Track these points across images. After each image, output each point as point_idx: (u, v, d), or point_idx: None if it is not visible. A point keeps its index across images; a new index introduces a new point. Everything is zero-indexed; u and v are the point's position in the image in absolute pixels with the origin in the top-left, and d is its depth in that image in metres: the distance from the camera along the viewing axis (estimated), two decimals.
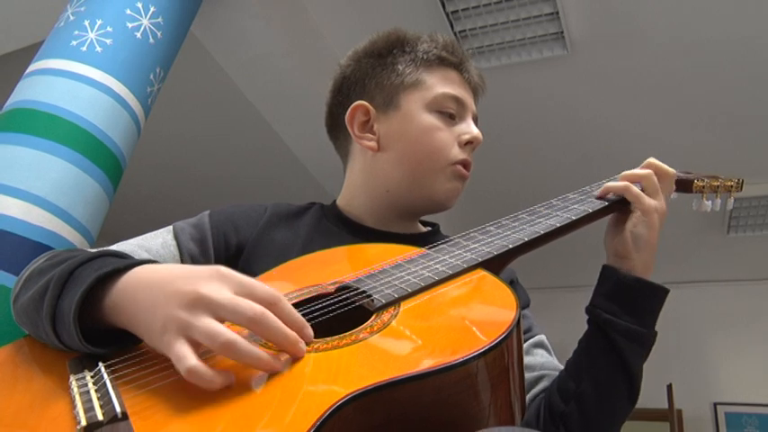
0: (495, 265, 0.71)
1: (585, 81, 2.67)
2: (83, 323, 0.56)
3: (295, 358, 0.54)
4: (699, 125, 2.85)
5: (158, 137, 3.03)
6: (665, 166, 0.87)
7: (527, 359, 0.85)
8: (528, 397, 0.82)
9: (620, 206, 0.86)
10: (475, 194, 2.58)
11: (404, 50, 0.93)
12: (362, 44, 0.97)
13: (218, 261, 0.82)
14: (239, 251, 0.85)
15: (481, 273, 0.68)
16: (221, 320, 0.52)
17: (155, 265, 0.61)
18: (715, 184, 0.95)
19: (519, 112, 2.88)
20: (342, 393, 0.46)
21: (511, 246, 0.73)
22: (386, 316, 0.60)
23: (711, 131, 2.87)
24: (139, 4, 1.65)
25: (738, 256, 3.88)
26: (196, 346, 0.51)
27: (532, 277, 0.96)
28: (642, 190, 0.83)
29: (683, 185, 0.94)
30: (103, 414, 0.47)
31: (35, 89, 1.51)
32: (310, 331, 0.56)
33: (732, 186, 0.96)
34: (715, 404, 3.90)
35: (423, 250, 0.75)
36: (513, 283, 0.74)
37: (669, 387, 3.62)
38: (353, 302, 0.64)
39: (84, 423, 0.46)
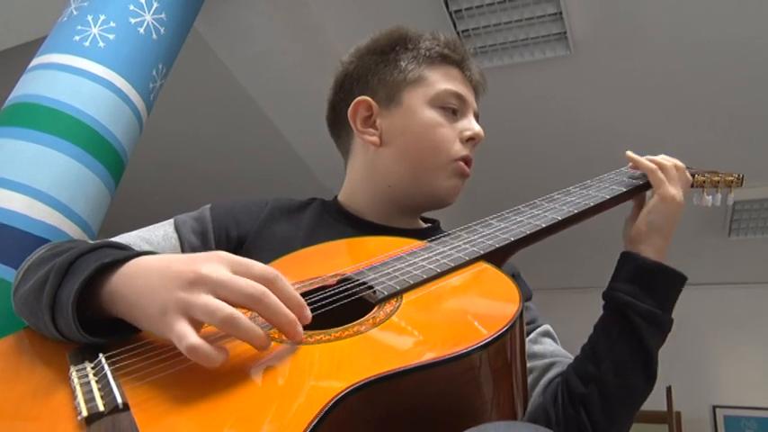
0: (497, 257, 0.71)
1: (588, 82, 2.67)
2: (81, 313, 0.56)
3: (295, 347, 0.54)
4: (701, 126, 2.85)
5: (160, 133, 3.04)
6: (679, 162, 0.90)
7: (536, 347, 0.86)
8: (542, 382, 0.83)
9: (621, 199, 0.87)
10: (476, 194, 2.58)
11: (406, 47, 0.94)
12: (365, 41, 0.97)
13: None
14: (240, 244, 0.85)
15: (483, 265, 0.68)
16: (220, 299, 0.52)
17: (153, 255, 0.61)
18: (715, 179, 0.96)
19: (521, 112, 2.88)
20: (345, 385, 0.46)
21: (513, 238, 0.74)
22: (388, 308, 0.60)
23: (713, 133, 2.87)
24: (142, 0, 1.65)
25: (739, 259, 3.88)
26: (197, 325, 0.51)
27: (532, 278, 0.96)
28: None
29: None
30: (104, 405, 0.47)
31: (38, 83, 1.51)
32: (309, 312, 0.56)
33: (732, 181, 0.96)
34: (714, 407, 3.90)
35: (424, 243, 0.75)
36: (514, 277, 0.75)
37: (668, 389, 3.62)
38: (355, 294, 0.64)
39: (85, 413, 0.46)
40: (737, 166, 1.00)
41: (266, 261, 0.75)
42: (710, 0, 2.22)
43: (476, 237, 0.75)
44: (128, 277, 0.58)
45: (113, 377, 0.51)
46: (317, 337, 0.55)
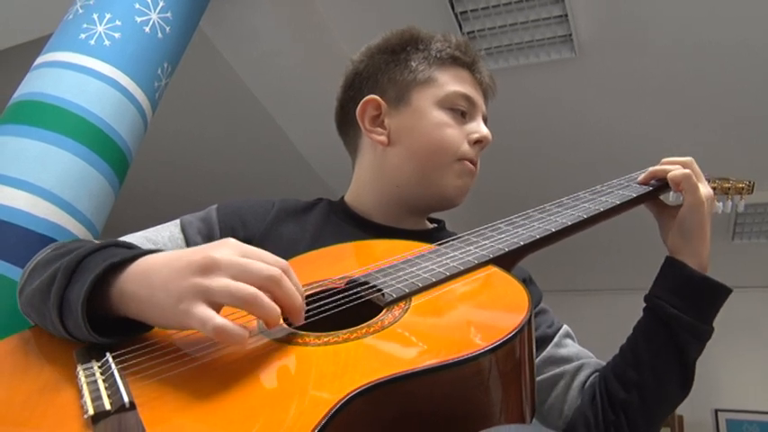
0: (506, 261, 0.71)
1: (593, 84, 2.66)
2: (90, 313, 0.56)
3: (304, 349, 0.54)
4: (704, 128, 2.84)
5: (165, 132, 3.04)
6: (683, 159, 0.89)
7: (563, 351, 0.87)
8: (575, 385, 0.84)
9: (632, 204, 0.87)
10: (481, 196, 2.57)
11: (417, 48, 0.94)
12: (376, 41, 0.97)
13: None
14: None
15: (492, 269, 0.68)
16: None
17: (161, 252, 0.61)
18: (726, 185, 0.95)
19: (526, 114, 2.88)
20: (352, 387, 0.46)
21: (522, 243, 0.73)
22: (397, 311, 0.60)
23: (717, 135, 2.87)
24: None
25: (743, 263, 3.87)
26: (216, 309, 0.51)
27: (542, 280, 0.96)
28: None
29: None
30: (111, 403, 0.47)
31: (43, 81, 1.51)
32: (303, 316, 0.57)
33: (743, 188, 0.96)
34: (716, 411, 3.89)
35: (433, 246, 0.75)
36: (525, 282, 0.75)
37: None
38: (364, 297, 0.64)
39: (91, 412, 0.46)
40: (742, 169, 1.00)
41: None
42: (714, 3, 2.21)
43: (485, 240, 0.74)
44: (138, 275, 0.57)
45: (120, 376, 0.50)
46: (326, 339, 0.55)
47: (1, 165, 1.38)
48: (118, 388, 0.48)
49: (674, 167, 0.88)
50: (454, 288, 0.65)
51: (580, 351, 0.88)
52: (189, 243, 0.82)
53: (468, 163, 0.90)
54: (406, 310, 0.60)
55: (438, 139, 0.89)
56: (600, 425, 0.79)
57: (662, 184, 0.89)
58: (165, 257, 0.58)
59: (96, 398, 0.48)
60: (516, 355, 0.54)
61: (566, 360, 0.86)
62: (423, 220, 0.97)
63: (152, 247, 0.79)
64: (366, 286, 0.65)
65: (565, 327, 0.91)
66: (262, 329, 0.58)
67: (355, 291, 0.65)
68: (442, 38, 0.95)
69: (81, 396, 0.49)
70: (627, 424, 0.79)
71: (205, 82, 2.84)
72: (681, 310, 0.81)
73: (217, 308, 0.52)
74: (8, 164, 1.39)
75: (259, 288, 0.53)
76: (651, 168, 0.91)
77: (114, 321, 0.58)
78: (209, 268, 0.53)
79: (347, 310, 0.62)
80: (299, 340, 0.55)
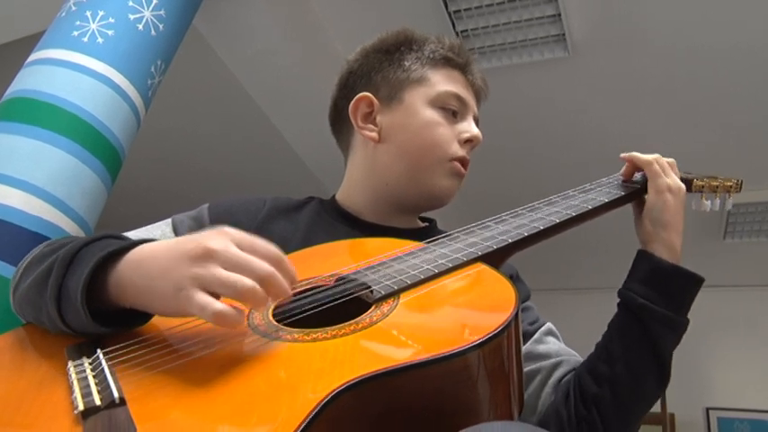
0: (495, 259, 0.71)
1: (586, 83, 2.67)
2: (88, 304, 0.56)
3: (293, 345, 0.54)
4: (698, 129, 2.85)
5: (158, 130, 3.03)
6: (662, 158, 0.91)
7: (541, 348, 0.87)
8: (551, 382, 0.84)
9: (620, 203, 0.88)
10: (474, 195, 2.58)
11: (411, 48, 0.95)
12: (371, 41, 0.99)
13: None
14: None
15: (481, 266, 0.68)
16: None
17: (157, 241, 0.62)
18: (714, 183, 0.96)
19: (519, 113, 2.88)
20: (340, 382, 0.46)
21: (511, 240, 0.74)
22: (385, 307, 0.60)
23: (710, 136, 2.88)
24: None
25: (734, 262, 3.89)
26: (214, 296, 0.53)
27: (530, 279, 0.96)
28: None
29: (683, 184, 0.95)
30: (101, 399, 0.47)
31: (36, 78, 1.50)
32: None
33: (731, 186, 0.96)
34: (708, 409, 3.91)
35: (423, 244, 0.76)
36: (512, 278, 0.76)
37: None
38: (353, 294, 0.64)
39: (81, 408, 0.46)
40: (734, 170, 1.01)
41: None
42: (708, 4, 2.23)
43: (474, 238, 0.75)
44: (135, 263, 0.58)
45: (110, 372, 0.51)
46: (314, 336, 0.56)
47: None
48: (108, 384, 0.49)
49: (641, 155, 0.91)
50: (443, 285, 0.65)
51: (561, 349, 0.88)
52: None
53: (458, 164, 0.91)
54: (395, 306, 0.60)
55: (428, 138, 0.89)
56: (572, 421, 0.78)
57: (646, 180, 0.90)
58: (161, 246, 0.59)
59: (86, 394, 0.48)
60: (503, 352, 0.54)
61: (543, 357, 0.86)
62: (413, 219, 0.98)
63: None
64: (355, 283, 0.66)
65: (548, 325, 0.91)
66: (252, 326, 0.58)
67: (344, 288, 0.65)
68: (436, 39, 0.96)
69: (71, 392, 0.49)
70: (600, 419, 0.77)
71: (199, 80, 2.83)
72: (651, 301, 0.80)
73: (215, 296, 0.53)
74: (1, 161, 1.39)
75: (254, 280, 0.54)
76: (633, 153, 0.93)
77: (111, 313, 0.59)
78: (206, 258, 0.54)
79: (336, 306, 0.62)
80: (288, 336, 0.56)
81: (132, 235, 0.81)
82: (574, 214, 0.81)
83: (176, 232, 0.83)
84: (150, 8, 1.66)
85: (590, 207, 0.83)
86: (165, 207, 0.93)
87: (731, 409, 3.87)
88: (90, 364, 0.53)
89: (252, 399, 0.48)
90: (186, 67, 2.31)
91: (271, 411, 0.46)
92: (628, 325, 0.81)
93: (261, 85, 2.60)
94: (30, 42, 1.68)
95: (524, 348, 0.86)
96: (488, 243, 0.73)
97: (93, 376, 0.51)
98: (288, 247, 0.80)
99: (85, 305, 0.56)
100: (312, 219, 0.91)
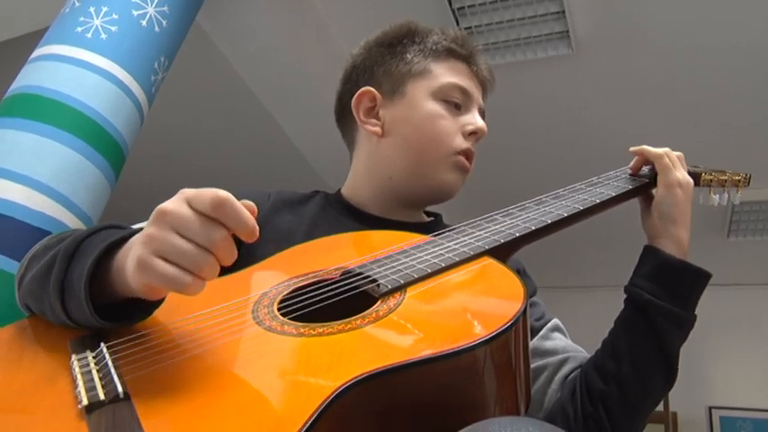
0: (502, 253, 0.70)
1: (589, 81, 2.67)
2: (91, 297, 0.56)
3: (298, 339, 0.54)
4: (701, 127, 2.85)
5: (161, 126, 3.03)
6: (672, 152, 0.90)
7: (548, 344, 0.86)
8: (557, 378, 0.83)
9: (627, 197, 0.87)
10: (476, 191, 2.58)
11: (414, 41, 0.94)
12: (374, 35, 0.98)
13: None
14: None
15: (488, 260, 0.68)
16: (187, 216, 0.52)
17: None
18: (722, 178, 0.95)
19: (522, 110, 2.88)
20: (346, 378, 0.46)
21: (518, 234, 0.73)
22: (391, 302, 0.60)
23: (713, 134, 2.87)
24: None
25: (738, 261, 3.88)
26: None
27: (537, 276, 0.96)
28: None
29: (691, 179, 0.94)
30: (105, 394, 0.47)
31: (39, 74, 1.50)
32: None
33: (739, 181, 0.95)
34: (710, 408, 3.90)
35: (429, 237, 0.75)
36: (519, 273, 0.75)
37: None
38: (359, 288, 0.64)
39: (85, 402, 0.46)
40: (738, 168, 1.00)
41: (269, 253, 0.75)
42: (709, 4, 2.22)
43: (481, 232, 0.74)
44: (129, 246, 0.57)
45: (114, 366, 0.51)
46: (320, 330, 0.55)
47: None
48: (112, 378, 0.48)
49: (651, 149, 0.89)
50: (449, 279, 0.64)
51: (567, 345, 0.87)
52: None
53: (463, 158, 0.90)
54: (401, 300, 0.60)
55: (431, 131, 0.89)
56: (579, 418, 0.77)
57: (655, 174, 0.90)
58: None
59: (91, 388, 0.48)
60: (511, 347, 0.54)
61: (550, 353, 0.85)
62: (419, 213, 0.97)
63: None
64: (361, 277, 0.65)
65: (554, 321, 0.90)
66: (257, 320, 0.58)
67: (350, 281, 0.65)
68: (440, 31, 0.95)
69: (75, 386, 0.49)
70: (606, 417, 0.76)
71: (202, 76, 2.83)
72: (657, 296, 0.79)
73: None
74: (4, 157, 1.39)
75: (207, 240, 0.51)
76: (644, 147, 0.91)
77: (115, 306, 0.58)
78: (158, 219, 0.53)
79: (342, 300, 0.62)
80: (294, 331, 0.56)
81: (136, 228, 0.81)
82: (581, 208, 0.80)
83: None
84: (154, 4, 1.66)
85: (597, 201, 0.82)
86: None
87: (734, 408, 3.86)
88: (94, 357, 0.53)
89: (257, 393, 0.48)
90: (189, 63, 2.30)
91: (276, 407, 0.46)
92: (634, 321, 0.81)
93: (264, 82, 2.60)
94: (30, 40, 1.68)
95: (531, 344, 0.85)
96: (495, 237, 0.72)
97: (97, 370, 0.50)
98: (293, 240, 0.80)
99: (88, 298, 0.55)
100: (317, 212, 0.91)
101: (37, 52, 1.57)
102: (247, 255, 0.57)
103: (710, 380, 4.00)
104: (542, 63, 2.56)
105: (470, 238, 0.72)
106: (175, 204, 0.53)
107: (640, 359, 0.78)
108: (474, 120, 0.91)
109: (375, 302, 0.60)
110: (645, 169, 0.93)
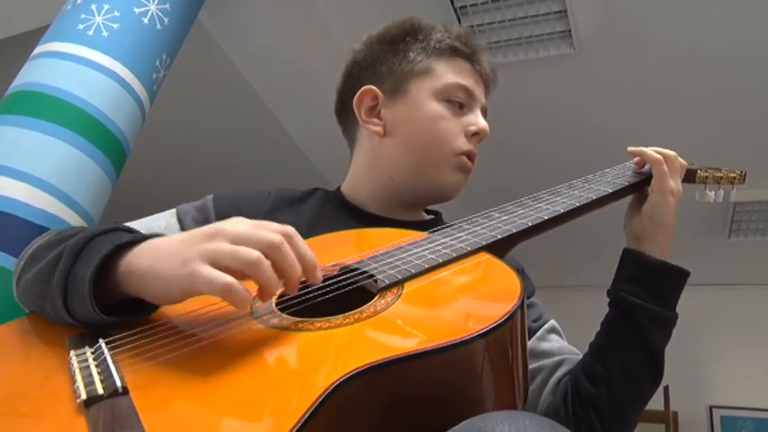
0: (499, 248, 0.71)
1: (591, 80, 2.66)
2: (94, 294, 0.56)
3: (296, 334, 0.54)
4: (702, 127, 2.84)
5: (163, 124, 3.03)
6: (666, 150, 0.90)
7: (544, 345, 0.87)
8: (552, 381, 0.84)
9: (624, 193, 0.87)
10: (477, 191, 2.57)
11: (417, 38, 0.93)
12: (377, 30, 0.97)
13: None
14: None
15: (485, 256, 0.68)
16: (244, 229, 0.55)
17: (169, 236, 0.61)
18: (718, 175, 0.95)
19: (523, 109, 2.87)
20: (344, 371, 0.46)
21: (515, 230, 0.73)
22: (389, 297, 0.60)
23: (714, 134, 2.87)
24: None
25: (739, 261, 3.88)
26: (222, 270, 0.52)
27: (534, 276, 0.96)
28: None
29: (687, 176, 0.94)
30: (104, 388, 0.47)
31: (41, 72, 1.51)
32: (320, 273, 0.59)
33: (735, 178, 0.96)
34: (711, 407, 3.90)
35: (426, 234, 0.75)
36: (518, 272, 0.75)
37: (666, 389, 3.62)
38: (357, 283, 0.64)
39: (84, 396, 0.46)
40: (739, 167, 1.00)
41: None
42: (711, 4, 2.22)
43: (478, 228, 0.74)
44: (147, 251, 0.58)
45: (113, 361, 0.51)
46: (318, 325, 0.55)
47: None
48: (111, 373, 0.49)
49: (656, 149, 0.90)
50: (447, 274, 0.65)
51: (563, 347, 0.87)
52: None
53: (465, 158, 0.89)
54: (399, 296, 0.60)
55: (434, 132, 0.88)
56: (570, 421, 0.78)
57: (651, 173, 0.90)
58: (175, 236, 0.59)
59: (89, 383, 0.48)
60: (508, 341, 0.54)
61: (546, 354, 0.85)
62: (418, 212, 0.97)
63: None
64: (359, 272, 0.65)
65: (552, 322, 0.90)
66: (256, 315, 0.58)
67: (348, 277, 0.65)
68: (443, 28, 0.94)
69: (74, 381, 0.49)
70: (597, 419, 0.77)
71: (203, 74, 2.83)
72: (643, 299, 0.80)
73: (223, 271, 0.52)
74: (5, 154, 1.39)
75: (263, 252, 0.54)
76: (642, 149, 0.91)
77: (118, 304, 0.59)
78: (215, 236, 0.54)
79: (340, 296, 0.62)
80: (292, 326, 0.56)
81: (136, 224, 0.81)
82: (578, 204, 0.81)
83: (181, 222, 0.83)
84: (155, 2, 1.66)
85: (594, 197, 0.83)
86: (170, 201, 0.92)
87: (734, 408, 3.86)
88: (92, 353, 0.53)
89: (255, 388, 0.48)
90: (191, 61, 2.31)
91: (275, 400, 0.46)
92: (621, 324, 0.81)
93: (265, 80, 2.60)
94: (31, 38, 1.69)
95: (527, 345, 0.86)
96: (493, 233, 0.72)
97: (96, 365, 0.51)
98: None
99: (92, 294, 0.55)
100: (317, 210, 0.91)
101: (38, 49, 1.57)
102: None
103: (711, 379, 4.00)
104: (544, 62, 2.56)
105: (468, 234, 0.72)
106: (233, 223, 0.56)
107: (628, 361, 0.79)
108: (477, 120, 0.91)
109: (373, 298, 0.60)
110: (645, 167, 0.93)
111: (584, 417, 0.78)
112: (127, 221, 0.82)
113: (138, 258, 0.58)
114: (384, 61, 0.92)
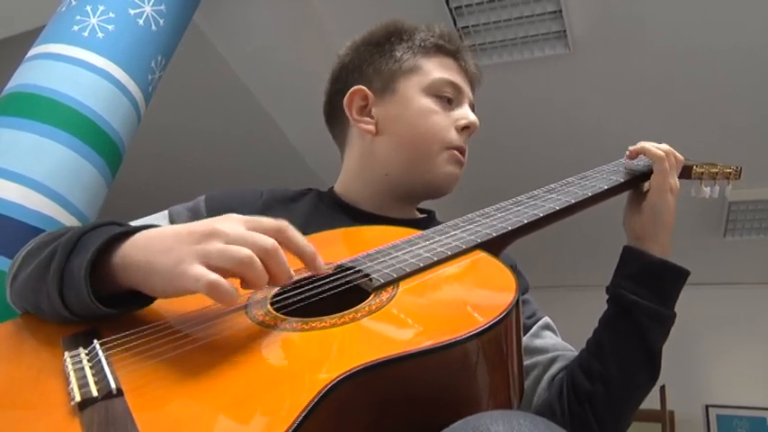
0: (494, 246, 0.71)
1: (586, 81, 2.67)
2: (91, 286, 0.56)
3: (291, 334, 0.54)
4: (698, 127, 2.85)
5: (159, 125, 3.02)
6: (666, 146, 0.91)
7: (538, 342, 0.87)
8: (546, 377, 0.84)
9: (620, 190, 0.88)
10: (471, 191, 2.57)
11: (401, 38, 0.94)
12: (360, 35, 0.98)
13: None
14: None
15: (480, 254, 0.68)
16: (239, 230, 0.55)
17: (165, 226, 0.62)
18: (713, 170, 0.95)
19: (519, 110, 2.88)
20: (339, 371, 0.46)
21: (510, 227, 0.73)
22: (384, 296, 0.60)
23: (710, 134, 2.87)
24: None
25: (734, 260, 3.89)
26: (213, 270, 0.53)
27: (529, 276, 0.96)
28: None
29: (683, 172, 0.94)
30: (98, 390, 0.47)
31: (36, 73, 1.51)
32: (321, 261, 0.60)
33: (730, 173, 0.96)
34: (707, 406, 3.91)
35: (421, 232, 0.75)
36: (512, 269, 0.75)
37: (662, 388, 3.63)
38: (352, 282, 0.64)
39: (78, 399, 0.46)
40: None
41: None
42: (708, 4, 2.22)
43: (472, 226, 0.74)
44: (141, 243, 0.59)
45: (107, 363, 0.51)
46: (313, 324, 0.55)
47: None
48: (105, 375, 0.48)
49: (656, 145, 0.90)
50: (442, 272, 0.65)
51: (557, 343, 0.88)
52: None
53: (456, 152, 0.90)
54: (394, 294, 0.60)
55: (425, 126, 0.89)
56: (566, 417, 0.78)
57: (648, 170, 0.90)
58: (168, 228, 0.60)
59: (83, 385, 0.48)
60: (503, 339, 0.54)
61: (540, 351, 0.85)
62: (412, 210, 0.97)
63: None
64: (353, 271, 0.65)
65: (545, 319, 0.91)
66: (250, 315, 0.58)
67: (343, 276, 0.65)
68: (426, 28, 0.95)
69: (68, 383, 0.49)
70: (593, 416, 0.78)
71: (199, 75, 2.83)
72: (642, 297, 0.81)
73: (213, 270, 0.53)
74: (1, 156, 1.39)
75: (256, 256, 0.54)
76: (645, 145, 0.91)
77: (115, 296, 0.59)
78: (210, 236, 0.55)
79: (335, 295, 0.62)
80: (287, 326, 0.56)
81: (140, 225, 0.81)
82: (573, 201, 0.81)
83: (173, 224, 0.83)
84: (151, 3, 1.66)
85: (590, 194, 0.83)
86: (165, 203, 0.92)
87: (730, 407, 3.87)
88: (87, 354, 0.53)
89: (250, 389, 0.48)
90: (186, 62, 2.30)
91: (270, 401, 0.46)
92: (619, 321, 0.82)
93: (261, 81, 2.60)
94: (29, 38, 1.68)
95: None
96: (488, 230, 0.72)
97: (90, 367, 0.50)
98: None
99: (88, 285, 0.56)
100: (310, 209, 0.91)
101: (33, 51, 1.57)
102: None
103: (707, 378, 4.01)
104: (539, 63, 2.57)
105: (463, 232, 0.72)
106: (227, 224, 0.57)
107: (626, 358, 0.80)
108: (466, 114, 0.92)
109: (368, 297, 0.60)
110: (639, 163, 0.93)
111: (580, 413, 0.78)
112: None
113: (133, 250, 0.58)
114: (371, 62, 0.93)
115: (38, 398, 0.50)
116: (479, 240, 0.70)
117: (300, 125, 2.85)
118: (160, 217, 0.85)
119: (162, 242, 0.57)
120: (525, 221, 0.75)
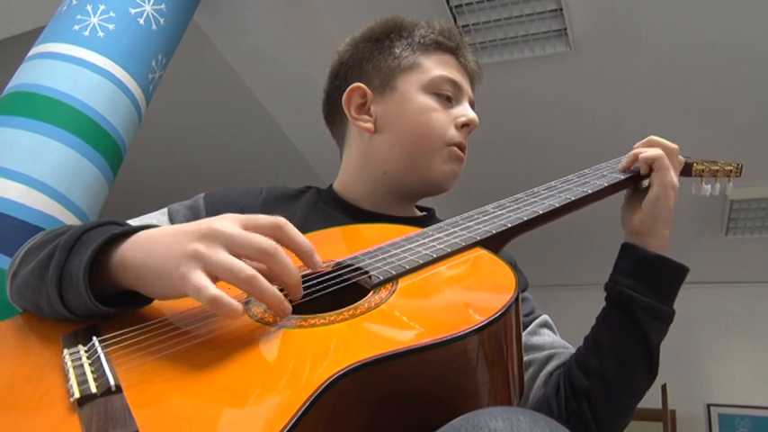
0: (494, 244, 0.70)
1: (587, 79, 2.67)
2: (90, 286, 0.56)
3: (290, 330, 0.54)
4: (698, 126, 2.85)
5: (159, 125, 3.04)
6: (668, 142, 0.89)
7: (535, 339, 0.87)
8: (542, 374, 0.84)
9: (619, 187, 0.87)
10: (471, 189, 2.58)
11: (401, 35, 0.94)
12: (360, 31, 0.98)
13: None
14: None
15: (480, 251, 0.68)
16: (236, 256, 0.54)
17: (164, 226, 0.62)
18: (714, 168, 0.95)
19: (520, 108, 2.88)
20: (339, 367, 0.46)
21: (510, 225, 0.73)
22: (383, 293, 0.60)
23: (711, 132, 2.88)
24: None
25: (736, 258, 3.88)
26: (213, 280, 0.52)
27: (529, 275, 0.96)
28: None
29: (683, 169, 0.94)
30: (97, 387, 0.47)
31: (36, 73, 1.51)
32: (318, 258, 0.59)
33: (731, 171, 0.95)
34: (708, 405, 3.91)
35: (420, 229, 0.75)
36: (511, 266, 0.75)
37: (663, 387, 3.63)
38: (351, 279, 0.64)
39: (77, 395, 0.46)
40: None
41: None
42: (709, 1, 2.22)
43: (472, 223, 0.74)
44: (140, 243, 0.58)
45: (106, 359, 0.51)
46: (312, 321, 0.55)
47: None
48: (104, 371, 0.49)
49: (646, 150, 0.88)
50: (441, 270, 0.64)
51: (555, 341, 0.87)
52: None
53: (456, 149, 0.90)
54: (393, 291, 0.60)
55: (424, 124, 0.89)
56: (562, 413, 0.78)
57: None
58: (167, 228, 0.59)
59: (82, 381, 0.48)
60: (502, 336, 0.54)
61: (537, 348, 0.85)
62: (411, 208, 0.97)
63: None
64: (353, 269, 0.65)
65: (544, 316, 0.90)
66: (249, 312, 0.58)
67: (342, 274, 0.65)
68: (426, 24, 0.95)
69: (67, 380, 0.49)
70: (590, 412, 0.77)
71: (199, 74, 2.83)
72: (639, 292, 0.80)
73: (213, 278, 0.52)
74: (2, 155, 1.39)
75: (256, 259, 0.54)
76: (640, 148, 0.90)
77: (114, 296, 0.59)
78: (210, 237, 0.54)
79: (334, 292, 0.62)
80: (286, 322, 0.56)
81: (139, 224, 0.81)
82: (573, 198, 0.81)
83: (172, 221, 0.83)
84: (151, 3, 1.66)
85: (590, 191, 0.83)
86: (165, 201, 0.93)
87: (732, 406, 3.87)
88: (86, 351, 0.53)
89: (249, 385, 0.48)
90: (187, 61, 2.31)
91: (268, 397, 0.46)
92: (617, 317, 0.81)
93: (261, 80, 2.60)
94: (30, 37, 1.68)
95: None
96: (487, 228, 0.72)
97: (89, 364, 0.51)
98: None
99: (87, 285, 0.56)
100: (309, 207, 0.91)
101: (34, 50, 1.57)
102: None
103: (709, 377, 4.01)
104: (540, 61, 2.57)
105: (462, 230, 0.72)
106: (225, 224, 0.56)
107: (623, 354, 0.79)
108: (466, 111, 0.91)
109: (367, 294, 0.60)
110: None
111: (577, 409, 0.78)
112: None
113: (132, 251, 0.58)
114: (370, 59, 0.93)
115: (37, 395, 0.50)
116: (479, 237, 0.70)
117: (301, 124, 2.85)
118: (159, 214, 0.85)
119: (161, 244, 0.56)
120: (525, 219, 0.75)
